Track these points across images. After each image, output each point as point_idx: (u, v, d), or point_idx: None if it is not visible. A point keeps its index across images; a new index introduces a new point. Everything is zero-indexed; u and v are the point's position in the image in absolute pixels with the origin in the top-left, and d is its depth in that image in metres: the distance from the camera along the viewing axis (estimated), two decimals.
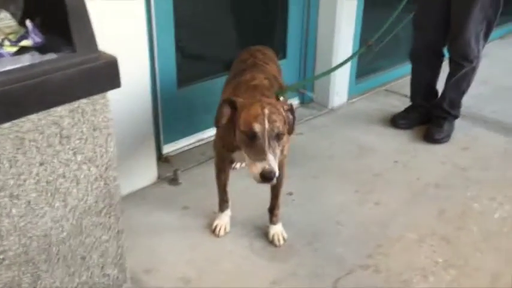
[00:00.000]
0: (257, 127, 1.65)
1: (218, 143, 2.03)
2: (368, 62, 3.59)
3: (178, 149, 2.75)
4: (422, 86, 3.06)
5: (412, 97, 3.14)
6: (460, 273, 1.98)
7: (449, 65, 2.89)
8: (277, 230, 2.14)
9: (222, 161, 2.09)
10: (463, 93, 2.93)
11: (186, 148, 2.79)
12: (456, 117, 2.99)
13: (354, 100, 3.47)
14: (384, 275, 1.97)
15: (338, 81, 3.29)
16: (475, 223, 2.27)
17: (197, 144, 2.83)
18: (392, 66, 3.82)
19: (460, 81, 2.86)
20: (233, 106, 1.75)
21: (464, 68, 2.79)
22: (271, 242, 2.12)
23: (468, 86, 2.90)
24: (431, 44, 2.88)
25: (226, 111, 1.77)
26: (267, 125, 1.65)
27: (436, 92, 3.06)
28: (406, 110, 3.14)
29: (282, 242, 2.12)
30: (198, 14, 2.82)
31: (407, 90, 3.42)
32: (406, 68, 3.75)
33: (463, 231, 2.22)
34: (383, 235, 2.18)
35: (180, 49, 2.62)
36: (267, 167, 1.61)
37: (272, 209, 2.16)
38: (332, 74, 3.21)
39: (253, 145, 1.66)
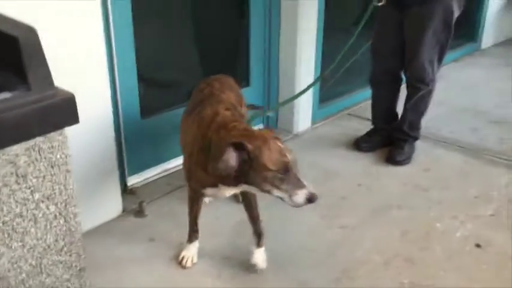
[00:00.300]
0: (288, 160, 1.67)
1: (190, 178, 1.99)
2: (330, 87, 3.68)
3: (143, 181, 2.73)
4: (382, 109, 3.15)
5: (374, 121, 3.22)
6: None
7: (407, 88, 2.99)
8: (263, 253, 2.13)
9: (195, 193, 2.06)
10: (421, 115, 3.02)
11: (152, 179, 2.77)
12: (416, 138, 3.08)
13: (317, 125, 3.53)
14: None
15: (302, 106, 3.34)
16: (438, 243, 2.32)
17: (163, 174, 2.81)
18: (354, 91, 3.92)
19: (418, 103, 2.95)
20: (241, 148, 1.65)
21: (421, 91, 2.89)
22: (254, 266, 2.09)
23: (426, 108, 2.99)
24: (389, 70, 2.98)
25: (234, 155, 1.65)
26: (291, 155, 1.69)
27: (396, 115, 3.15)
28: (368, 134, 3.21)
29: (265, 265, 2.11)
30: (159, 44, 2.85)
31: (369, 114, 3.51)
32: (368, 92, 3.85)
33: (426, 252, 2.26)
34: (349, 258, 2.20)
35: (142, 80, 2.62)
36: (311, 190, 1.67)
37: (259, 232, 2.13)
38: (296, 99, 3.28)
39: (287, 178, 1.67)
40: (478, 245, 2.29)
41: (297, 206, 1.70)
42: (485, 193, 2.69)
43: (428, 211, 2.55)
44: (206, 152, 1.79)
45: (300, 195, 1.67)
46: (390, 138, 3.12)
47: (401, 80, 3.06)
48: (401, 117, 3.07)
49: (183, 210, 2.49)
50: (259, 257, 2.12)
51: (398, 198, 2.66)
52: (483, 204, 2.59)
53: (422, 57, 2.79)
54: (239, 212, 2.28)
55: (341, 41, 3.75)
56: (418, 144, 3.12)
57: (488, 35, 5.25)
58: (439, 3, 2.67)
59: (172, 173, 2.84)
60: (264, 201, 2.52)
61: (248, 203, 2.12)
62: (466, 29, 5.24)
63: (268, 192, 1.72)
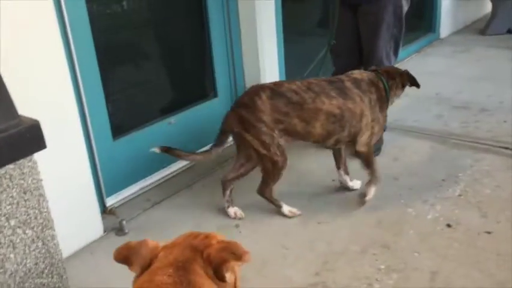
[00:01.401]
0: None
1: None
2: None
3: (122, 200, 2.78)
4: None
5: None
6: (401, 276, 2.10)
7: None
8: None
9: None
10: None
11: (130, 197, 2.82)
12: (383, 130, 3.18)
13: None
14: None
15: None
16: (411, 227, 2.41)
17: (141, 192, 2.86)
18: None
19: None
20: None
21: None
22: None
23: None
24: (349, 67, 3.08)
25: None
26: None
27: None
28: None
29: None
30: (124, 64, 2.91)
31: None
32: None
33: (400, 236, 2.36)
34: (328, 251, 2.28)
35: (110, 101, 2.68)
36: None
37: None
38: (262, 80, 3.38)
39: None
40: (448, 225, 2.39)
41: None
42: (453, 175, 2.80)
43: (399, 198, 2.65)
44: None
45: None
46: None
47: None
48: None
49: (165, 224, 2.57)
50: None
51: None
52: (451, 186, 2.70)
53: (379, 52, 2.91)
54: None
55: (301, 46, 3.89)
56: (386, 135, 3.22)
57: (446, 25, 5.43)
58: (378, 3, 2.80)
59: (151, 189, 2.89)
60: (241, 208, 2.62)
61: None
62: (424, 20, 5.43)
63: None
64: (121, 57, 2.87)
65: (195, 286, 0.99)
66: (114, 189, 2.74)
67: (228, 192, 2.61)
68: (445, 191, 2.67)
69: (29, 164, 1.39)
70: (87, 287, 2.12)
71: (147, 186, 2.89)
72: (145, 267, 1.06)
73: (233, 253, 1.03)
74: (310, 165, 3.07)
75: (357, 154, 2.59)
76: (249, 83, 3.37)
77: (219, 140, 2.53)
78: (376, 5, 2.82)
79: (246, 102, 2.41)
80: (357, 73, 2.58)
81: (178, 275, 1.00)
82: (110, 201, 2.71)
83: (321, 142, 2.56)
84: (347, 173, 2.76)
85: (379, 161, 3.04)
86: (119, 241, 2.44)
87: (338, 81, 2.48)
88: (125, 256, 1.08)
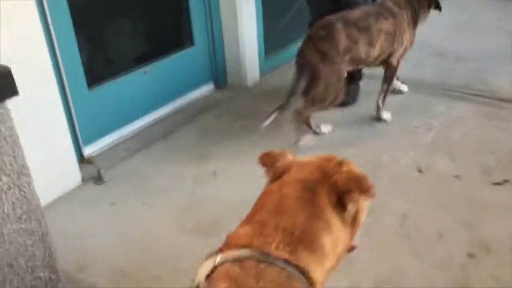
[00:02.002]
0: None
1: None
2: (276, 37, 3.75)
3: (100, 149, 2.78)
4: None
5: None
6: (373, 219, 2.13)
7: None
8: None
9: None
10: None
11: (109, 146, 2.82)
12: (360, 79, 3.20)
13: (267, 77, 3.61)
14: None
15: (248, 59, 3.40)
16: (384, 172, 2.48)
17: (119, 141, 2.87)
18: (296, 41, 3.98)
19: None
20: None
21: None
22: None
23: None
24: (326, 14, 3.05)
25: None
26: None
27: None
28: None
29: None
30: (97, 11, 2.83)
31: None
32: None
33: (375, 181, 2.36)
34: None
35: (85, 51, 2.63)
36: None
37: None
38: (241, 53, 3.34)
39: None
40: (420, 171, 2.47)
41: None
42: (425, 122, 2.86)
43: (375, 145, 2.71)
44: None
45: None
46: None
47: None
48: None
49: (143, 172, 2.59)
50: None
51: (347, 137, 2.80)
52: (423, 133, 2.77)
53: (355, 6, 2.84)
54: None
55: None
56: (365, 83, 3.23)
57: None
58: None
59: (129, 138, 2.90)
60: (218, 156, 2.65)
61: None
62: None
63: None
64: (94, 5, 2.79)
65: (317, 207, 1.03)
66: (91, 139, 2.74)
67: (313, 124, 2.74)
68: (418, 137, 2.74)
69: (1, 110, 1.38)
70: (65, 233, 2.16)
71: (125, 135, 2.89)
72: (277, 176, 1.12)
73: (359, 185, 1.04)
74: (285, 115, 3.09)
75: (388, 66, 2.86)
76: (226, 30, 3.33)
77: (300, 76, 2.62)
78: None
79: (324, 35, 2.57)
80: None
81: (304, 192, 1.04)
82: (88, 151, 2.72)
83: (372, 63, 2.80)
84: (398, 79, 3.08)
85: (355, 109, 3.10)
86: (97, 189, 2.48)
87: (383, 4, 2.76)
88: (265, 162, 1.17)
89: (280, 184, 1.08)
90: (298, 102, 2.71)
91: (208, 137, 2.89)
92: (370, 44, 2.64)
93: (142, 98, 2.97)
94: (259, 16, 3.42)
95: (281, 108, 2.68)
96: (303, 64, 2.61)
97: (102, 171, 2.53)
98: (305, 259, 0.96)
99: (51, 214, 2.30)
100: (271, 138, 2.81)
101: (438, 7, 2.92)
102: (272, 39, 3.71)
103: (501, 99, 3.03)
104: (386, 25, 2.68)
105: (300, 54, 2.63)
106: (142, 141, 2.85)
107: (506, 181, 2.34)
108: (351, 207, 1.05)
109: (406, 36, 2.79)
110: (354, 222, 1.08)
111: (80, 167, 2.56)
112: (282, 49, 3.83)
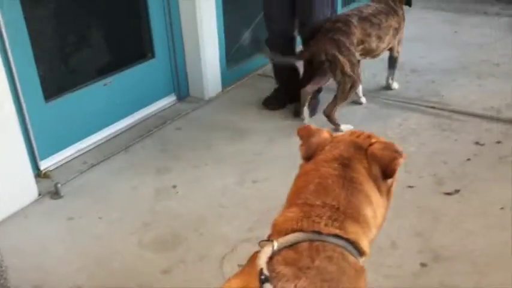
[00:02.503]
0: None
1: None
2: (238, 49, 3.79)
3: (57, 162, 2.74)
4: (283, 70, 3.27)
5: (277, 80, 3.37)
6: None
7: (304, 48, 3.12)
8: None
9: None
10: None
11: (66, 160, 2.78)
12: (319, 91, 3.26)
13: (229, 88, 3.64)
14: None
15: (210, 71, 3.42)
16: None
17: (77, 154, 2.83)
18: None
19: None
20: None
21: None
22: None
23: None
24: (283, 33, 3.12)
25: None
26: None
27: (298, 73, 3.29)
28: (275, 92, 3.36)
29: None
30: (56, 21, 2.80)
31: None
32: None
33: None
34: (262, 208, 2.36)
35: (41, 62, 2.59)
36: None
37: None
38: (203, 65, 3.36)
39: None
40: None
41: None
42: (382, 134, 2.86)
43: None
44: None
45: None
46: (296, 94, 3.29)
47: (295, 40, 3.20)
48: (303, 76, 3.22)
49: (102, 186, 2.57)
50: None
51: None
52: None
53: (317, 15, 2.96)
54: None
55: (239, 2, 3.87)
56: (325, 96, 3.28)
57: None
58: None
59: (88, 151, 2.87)
60: (178, 170, 2.66)
61: None
62: None
63: None
64: (52, 14, 2.76)
65: (356, 183, 1.06)
66: (48, 152, 2.70)
67: (306, 104, 2.98)
68: None
69: None
70: (21, 249, 2.12)
71: (83, 148, 2.86)
72: (310, 152, 1.15)
73: (396, 151, 1.09)
74: (249, 125, 3.13)
75: (392, 56, 3.32)
76: (187, 42, 3.34)
77: (303, 54, 3.02)
78: None
79: (341, 27, 2.83)
80: None
81: (342, 170, 1.08)
82: (45, 165, 2.67)
83: (379, 53, 3.12)
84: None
85: (315, 122, 3.15)
86: (54, 204, 2.45)
87: (387, 2, 3.08)
88: (302, 134, 1.20)
89: (317, 164, 1.12)
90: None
91: (169, 150, 2.88)
92: (380, 38, 2.98)
93: (101, 111, 2.94)
94: (220, 28, 3.45)
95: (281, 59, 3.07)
96: (319, 53, 2.83)
97: (59, 185, 2.49)
98: (353, 231, 1.02)
99: (6, 230, 2.27)
100: (232, 152, 2.84)
101: (408, 3, 3.26)
102: (234, 51, 3.75)
103: (453, 111, 3.14)
104: (393, 22, 3.05)
105: (317, 44, 2.85)
106: (102, 155, 2.82)
107: (457, 191, 2.42)
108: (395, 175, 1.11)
109: (403, 31, 3.22)
110: (388, 192, 1.15)
111: (37, 182, 2.52)
112: (243, 60, 3.88)
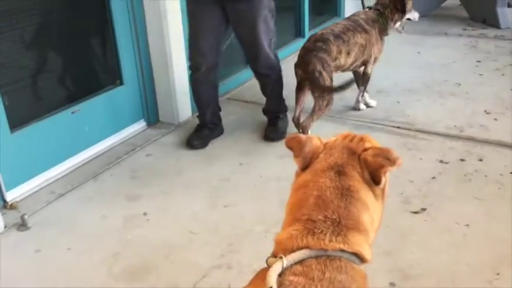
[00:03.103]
0: None
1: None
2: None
3: (24, 193, 2.69)
4: (208, 105, 3.20)
5: (201, 116, 3.23)
6: None
7: (259, 79, 3.23)
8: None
9: None
10: (281, 93, 3.27)
11: (34, 190, 2.74)
12: (286, 111, 3.31)
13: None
14: (236, 269, 2.15)
15: (179, 96, 3.43)
16: None
17: (45, 184, 2.79)
18: (231, 75, 4.09)
19: (275, 87, 3.22)
20: None
21: (274, 76, 3.17)
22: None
23: (282, 84, 3.25)
24: (210, 65, 3.03)
25: None
26: None
27: (219, 106, 3.31)
28: (198, 130, 3.20)
29: None
30: (20, 49, 2.78)
31: (247, 96, 3.73)
32: (246, 74, 4.06)
33: None
34: (233, 234, 2.38)
35: (6, 92, 2.57)
36: None
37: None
38: (172, 89, 3.37)
39: None
40: None
41: None
42: None
43: None
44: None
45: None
46: (220, 130, 3.27)
47: (218, 71, 3.17)
48: (266, 104, 3.31)
49: (70, 216, 2.53)
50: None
51: (276, 171, 2.87)
52: None
53: (264, 47, 2.99)
54: None
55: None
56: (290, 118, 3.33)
57: (350, 9, 5.66)
58: None
59: (55, 181, 2.83)
60: (148, 196, 2.65)
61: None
62: (328, 4, 5.64)
63: None
64: (17, 42, 2.74)
65: (353, 191, 1.08)
66: (15, 183, 2.65)
67: (309, 130, 3.06)
68: None
69: None
70: None
71: (51, 178, 2.82)
72: (307, 162, 1.15)
73: (388, 158, 1.10)
74: (219, 150, 3.15)
75: (365, 74, 3.42)
76: (156, 67, 3.35)
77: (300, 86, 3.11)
78: (250, 2, 2.85)
79: (322, 47, 2.97)
80: (362, 13, 3.35)
81: (339, 179, 1.09)
82: (11, 195, 2.62)
83: (347, 68, 3.23)
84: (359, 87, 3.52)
85: (282, 144, 3.18)
86: (21, 237, 2.40)
87: (357, 21, 3.22)
88: (292, 145, 1.18)
89: (314, 174, 1.12)
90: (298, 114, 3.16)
91: (139, 177, 2.87)
92: (348, 53, 3.11)
93: (69, 139, 2.92)
94: (187, 51, 3.46)
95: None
96: (312, 70, 2.94)
97: (26, 216, 2.45)
98: (356, 242, 1.05)
99: None
100: (203, 177, 2.84)
101: (403, 10, 3.36)
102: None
103: (418, 130, 3.23)
104: (360, 39, 3.16)
105: (307, 62, 2.97)
106: (70, 184, 2.79)
107: (423, 209, 2.48)
108: (384, 181, 1.12)
109: (374, 49, 3.29)
110: (382, 194, 1.16)
111: (3, 213, 2.47)
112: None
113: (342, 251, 1.02)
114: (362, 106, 3.56)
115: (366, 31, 3.21)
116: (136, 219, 2.50)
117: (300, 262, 1.00)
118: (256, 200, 2.64)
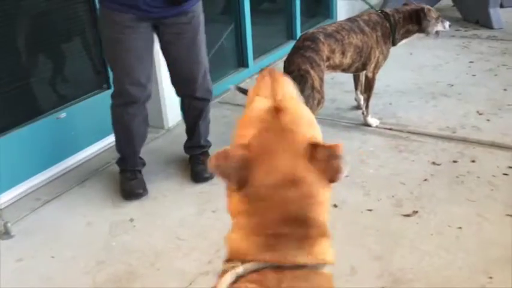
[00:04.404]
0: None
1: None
2: None
3: (8, 200, 2.63)
4: (140, 144, 2.75)
5: (131, 157, 2.75)
6: None
7: (194, 105, 2.77)
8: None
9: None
10: (209, 122, 2.94)
11: (18, 197, 2.68)
12: (210, 146, 2.96)
13: None
14: None
15: (169, 100, 3.38)
16: None
17: (29, 191, 2.73)
18: (221, 78, 4.05)
19: (207, 114, 2.88)
20: None
21: (210, 100, 2.83)
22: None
23: (209, 111, 2.91)
24: (147, 97, 2.60)
25: None
26: None
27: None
28: (132, 178, 2.70)
29: None
30: (3, 53, 2.72)
31: (238, 100, 3.69)
32: (236, 78, 4.03)
33: None
34: (221, 240, 2.30)
35: None
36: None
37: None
38: (161, 93, 3.32)
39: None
40: (335, 205, 2.52)
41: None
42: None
43: None
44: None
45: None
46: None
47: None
48: (194, 137, 2.88)
49: (55, 223, 2.48)
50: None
51: None
52: None
53: (204, 69, 2.66)
54: None
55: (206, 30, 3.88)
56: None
57: (342, 11, 5.65)
58: (197, 9, 2.54)
59: (40, 187, 2.77)
60: (135, 202, 2.60)
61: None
62: (321, 7, 5.62)
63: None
64: (2, 46, 2.68)
65: (312, 197, 1.00)
66: None
67: None
68: None
69: None
70: None
71: (36, 184, 2.76)
72: (243, 181, 0.98)
73: (340, 157, 0.99)
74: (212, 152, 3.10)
75: (365, 78, 3.27)
76: None
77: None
78: (187, 18, 2.47)
79: (310, 46, 2.88)
80: (366, 14, 3.20)
81: (295, 189, 0.97)
82: None
83: (346, 70, 3.14)
84: (362, 93, 3.40)
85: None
86: (4, 246, 2.35)
87: (355, 22, 3.12)
88: (218, 168, 0.98)
89: (266, 189, 0.97)
90: None
91: None
92: (343, 53, 3.01)
93: (55, 145, 2.87)
94: None
95: None
96: (292, 70, 2.86)
97: (9, 224, 2.39)
98: (321, 251, 0.98)
99: None
100: (191, 184, 2.79)
101: (418, 22, 3.20)
102: None
103: (410, 132, 3.19)
104: (355, 40, 3.04)
105: (290, 62, 2.92)
106: (56, 190, 2.73)
107: (415, 212, 2.44)
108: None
109: (375, 53, 3.15)
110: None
111: None
112: None
113: (305, 265, 0.95)
114: (372, 121, 3.30)
115: (363, 32, 3.08)
116: (122, 225, 2.45)
117: (256, 270, 0.93)
118: None
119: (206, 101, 2.80)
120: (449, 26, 3.37)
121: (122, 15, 2.36)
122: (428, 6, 3.27)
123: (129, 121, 2.61)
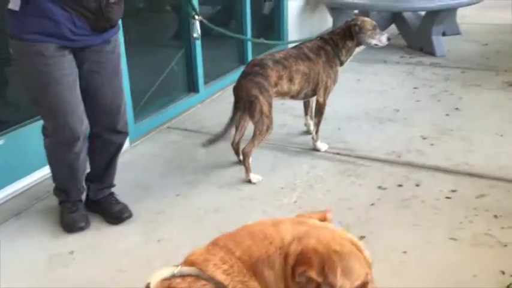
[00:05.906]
0: None
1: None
2: (146, 102, 3.72)
3: None
4: (82, 177, 2.60)
5: (75, 190, 2.60)
6: None
7: (113, 140, 2.56)
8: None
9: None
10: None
11: None
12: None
13: (137, 143, 3.53)
14: None
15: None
16: None
17: (6, 199, 2.63)
18: (171, 103, 4.01)
19: (120, 151, 2.67)
20: None
21: (127, 135, 2.65)
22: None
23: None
24: (86, 132, 2.39)
25: None
26: None
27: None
28: (74, 210, 2.57)
29: None
30: None
31: (188, 125, 3.64)
32: (186, 103, 4.00)
33: None
34: None
35: None
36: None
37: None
38: None
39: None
40: None
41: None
42: (290, 183, 2.95)
43: (241, 209, 2.72)
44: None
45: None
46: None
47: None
48: (108, 174, 2.67)
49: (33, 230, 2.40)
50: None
51: (215, 203, 2.79)
52: (288, 193, 2.85)
53: (123, 100, 2.53)
54: None
55: (159, 54, 3.85)
56: (229, 144, 3.23)
57: (293, 35, 5.75)
58: (118, 38, 2.45)
59: (21, 193, 2.70)
60: (76, 234, 2.49)
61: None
62: (271, 31, 5.70)
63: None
64: None
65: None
66: None
67: (250, 157, 3.00)
68: (282, 198, 2.80)
69: None
70: None
71: (17, 190, 2.64)
72: None
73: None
74: (156, 181, 3.03)
75: (316, 102, 3.31)
76: None
77: (236, 109, 3.01)
78: (113, 43, 2.38)
79: (259, 71, 2.95)
80: (308, 42, 3.25)
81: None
82: None
83: (295, 97, 3.20)
84: (312, 118, 3.46)
85: (225, 174, 3.11)
86: None
87: (301, 49, 3.18)
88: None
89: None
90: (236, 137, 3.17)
91: None
92: (291, 80, 3.07)
93: None
94: (126, 81, 3.36)
95: (219, 135, 3.04)
96: (242, 96, 2.95)
97: None
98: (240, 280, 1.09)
99: None
100: (137, 211, 2.71)
101: (351, 37, 3.21)
102: (141, 105, 3.68)
103: (358, 157, 3.24)
104: (303, 67, 3.11)
105: (239, 87, 2.98)
106: None
107: (362, 237, 2.44)
108: None
109: (322, 78, 3.20)
110: None
111: None
112: (152, 114, 3.81)
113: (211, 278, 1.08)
114: (321, 146, 3.34)
115: (309, 59, 3.13)
116: (61, 258, 2.33)
117: (184, 276, 1.09)
118: (192, 233, 2.53)
119: (125, 134, 2.60)
120: (389, 39, 3.31)
121: (43, 45, 2.14)
122: (363, 18, 3.33)
123: (74, 159, 2.42)
